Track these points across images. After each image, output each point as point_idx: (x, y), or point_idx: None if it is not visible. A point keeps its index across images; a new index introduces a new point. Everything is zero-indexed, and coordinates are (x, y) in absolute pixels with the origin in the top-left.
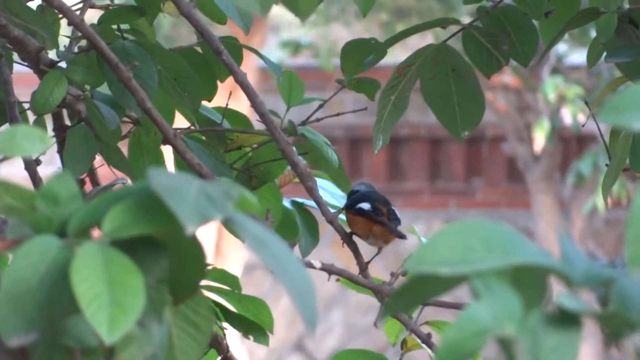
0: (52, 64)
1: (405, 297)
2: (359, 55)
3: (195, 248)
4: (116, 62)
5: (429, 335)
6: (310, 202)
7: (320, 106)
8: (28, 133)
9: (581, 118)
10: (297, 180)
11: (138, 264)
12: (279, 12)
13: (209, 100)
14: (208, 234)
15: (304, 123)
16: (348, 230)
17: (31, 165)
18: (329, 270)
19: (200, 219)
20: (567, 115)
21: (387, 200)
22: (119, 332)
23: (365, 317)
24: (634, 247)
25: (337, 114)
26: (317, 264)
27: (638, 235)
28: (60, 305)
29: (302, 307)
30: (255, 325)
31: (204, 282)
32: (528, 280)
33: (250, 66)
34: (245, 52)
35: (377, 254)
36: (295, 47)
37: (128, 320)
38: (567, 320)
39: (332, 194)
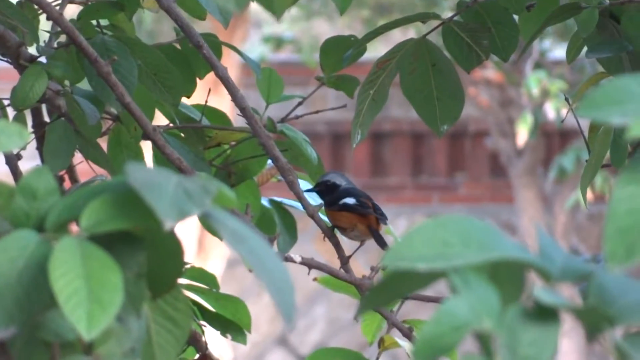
0: (32, 59)
1: (384, 292)
2: (339, 52)
3: (173, 243)
4: (95, 56)
5: (410, 329)
6: (288, 201)
7: (300, 103)
8: (5, 128)
9: (564, 112)
10: (275, 179)
11: (116, 259)
12: (260, 7)
13: (188, 97)
14: (190, 230)
15: (283, 120)
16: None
17: (12, 160)
18: (309, 264)
19: (178, 214)
20: (550, 110)
21: (367, 195)
22: (98, 329)
23: (348, 312)
24: (612, 242)
25: (317, 111)
26: (297, 258)
27: (617, 231)
28: (39, 299)
29: (280, 303)
30: (233, 324)
31: (182, 281)
32: (506, 275)
33: (232, 62)
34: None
35: (359, 247)
36: (277, 42)
37: (106, 316)
38: (545, 315)
39: (314, 197)
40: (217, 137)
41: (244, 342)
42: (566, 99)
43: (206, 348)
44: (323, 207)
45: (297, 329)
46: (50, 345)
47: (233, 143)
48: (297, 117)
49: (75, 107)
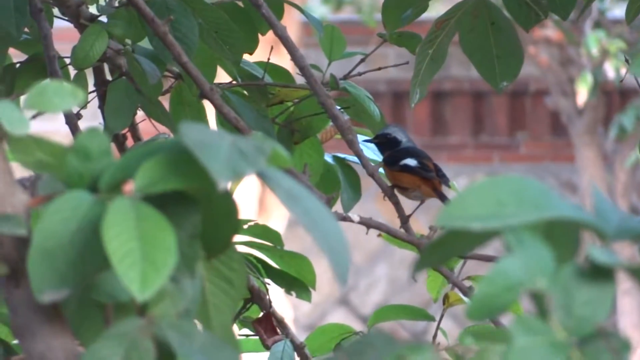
0: (93, 18)
1: (439, 251)
2: (401, 9)
3: (227, 203)
4: (152, 16)
5: (470, 288)
6: (352, 158)
7: (362, 60)
8: (59, 88)
9: (624, 71)
10: (339, 136)
11: (170, 220)
12: None
13: (251, 54)
14: (251, 189)
15: (345, 77)
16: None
17: (72, 120)
18: (367, 223)
19: (232, 174)
20: (609, 69)
21: (427, 155)
22: (151, 290)
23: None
24: None
25: (379, 68)
26: (356, 218)
27: None
28: (92, 261)
29: (334, 263)
30: (297, 282)
31: (247, 239)
32: (561, 235)
33: (292, 21)
34: (288, 6)
35: (418, 206)
36: (337, 2)
37: (160, 277)
38: (600, 274)
39: (373, 150)
40: (279, 94)
41: (308, 299)
42: (626, 60)
43: (270, 306)
44: (382, 166)
45: (359, 289)
46: (104, 306)
47: (296, 100)
48: (359, 74)
49: (136, 66)
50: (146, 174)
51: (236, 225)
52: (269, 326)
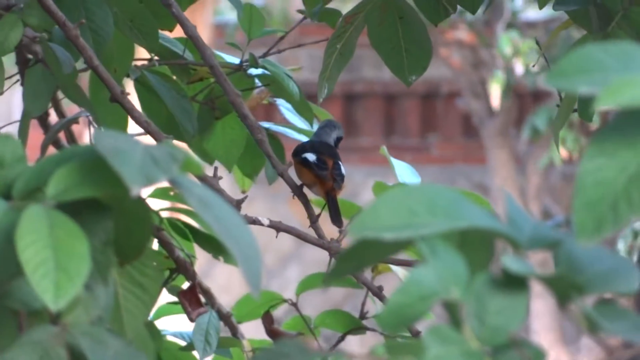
0: (8, 8)
1: (351, 261)
2: None
3: (141, 209)
4: (63, 20)
5: (380, 288)
6: (277, 128)
7: (282, 37)
8: None
9: (533, 68)
10: (267, 101)
11: (83, 227)
12: None
13: (170, 31)
14: None
15: (265, 55)
16: (299, 183)
17: None
18: (276, 227)
19: (145, 180)
20: (519, 66)
21: (335, 153)
22: (65, 299)
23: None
24: (581, 215)
25: (299, 45)
26: (265, 221)
27: (586, 204)
28: (6, 268)
29: (246, 270)
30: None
31: (175, 205)
32: (475, 244)
33: (204, 23)
34: (200, 7)
35: (326, 205)
36: None
37: (74, 286)
38: (513, 282)
39: (301, 118)
40: (200, 71)
41: (236, 263)
42: (545, 58)
43: (195, 277)
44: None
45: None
46: (18, 313)
47: None
48: (279, 52)
49: (51, 55)
50: (59, 181)
51: (149, 232)
52: (194, 299)
